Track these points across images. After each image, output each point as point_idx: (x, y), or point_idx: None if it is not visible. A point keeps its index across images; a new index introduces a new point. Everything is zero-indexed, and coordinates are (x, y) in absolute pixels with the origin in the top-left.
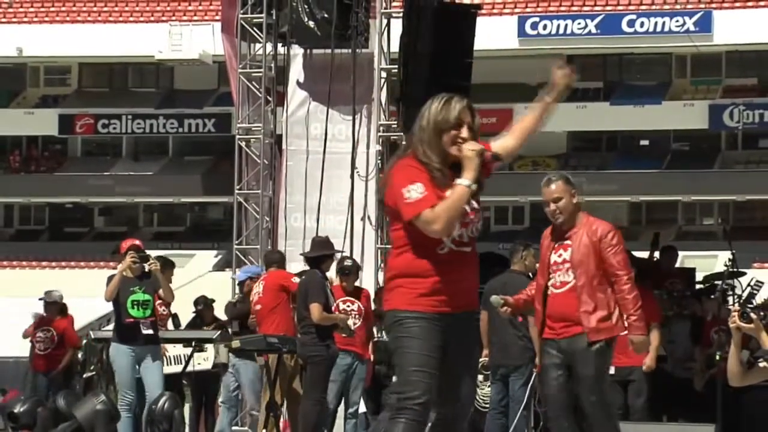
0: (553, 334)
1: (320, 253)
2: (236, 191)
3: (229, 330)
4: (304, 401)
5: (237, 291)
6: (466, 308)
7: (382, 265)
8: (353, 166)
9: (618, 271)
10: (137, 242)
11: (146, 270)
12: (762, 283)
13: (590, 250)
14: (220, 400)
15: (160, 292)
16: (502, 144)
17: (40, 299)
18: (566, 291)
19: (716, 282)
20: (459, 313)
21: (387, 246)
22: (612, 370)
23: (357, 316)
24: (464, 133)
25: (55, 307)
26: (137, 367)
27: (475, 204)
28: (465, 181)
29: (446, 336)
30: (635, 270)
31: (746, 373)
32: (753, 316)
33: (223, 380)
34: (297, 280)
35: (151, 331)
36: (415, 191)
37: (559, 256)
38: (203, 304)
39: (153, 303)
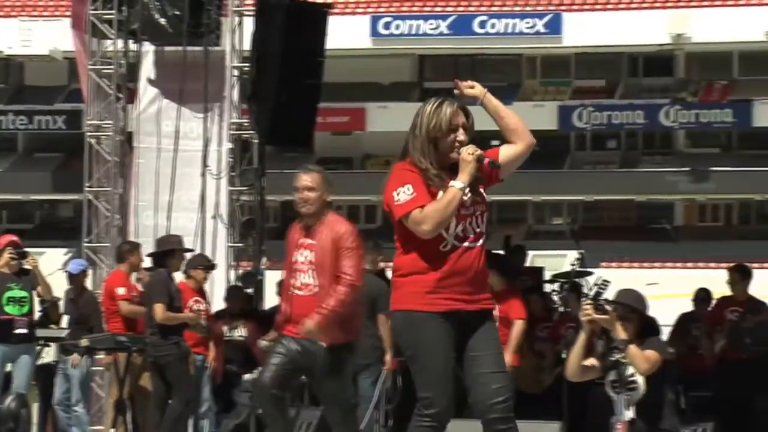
0: (293, 335)
1: (163, 249)
2: (86, 189)
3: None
4: (175, 402)
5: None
6: (478, 304)
7: (234, 263)
8: (205, 164)
9: (344, 273)
10: (15, 238)
11: (23, 267)
12: (608, 282)
13: (331, 250)
14: (54, 402)
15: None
16: (507, 151)
17: None
18: (308, 294)
19: (563, 280)
20: (471, 309)
21: (239, 244)
22: None
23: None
24: (461, 136)
25: None
26: (9, 365)
27: (475, 197)
28: (458, 184)
29: (460, 333)
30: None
31: (585, 370)
32: (608, 307)
33: (56, 381)
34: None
35: (25, 330)
36: (404, 193)
37: (304, 256)
38: (50, 303)
39: (31, 300)
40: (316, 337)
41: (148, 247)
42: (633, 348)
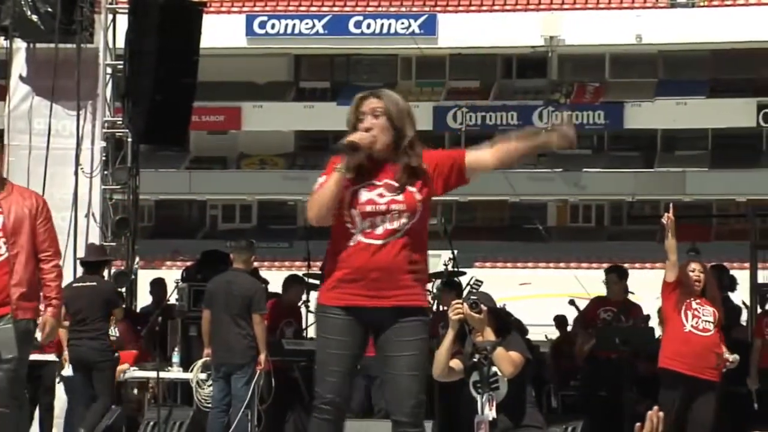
0: None
1: (97, 258)
2: None
3: None
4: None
5: None
6: (388, 300)
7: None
8: (77, 163)
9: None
10: None
11: None
12: (481, 282)
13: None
14: None
15: None
16: (478, 157)
17: None
18: None
19: (435, 280)
20: (378, 306)
21: (112, 243)
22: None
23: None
24: (366, 122)
25: None
26: None
27: (393, 195)
28: (338, 167)
29: (373, 330)
30: None
31: (450, 371)
32: (483, 306)
33: None
34: None
35: None
36: (317, 184)
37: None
38: None
39: None
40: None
41: None
42: (500, 350)
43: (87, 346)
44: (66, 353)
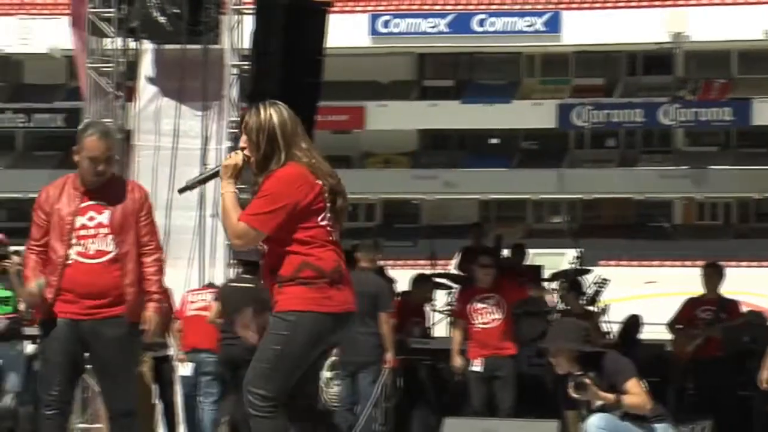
0: None
1: (256, 259)
2: None
3: None
4: None
5: None
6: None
7: (232, 261)
8: (204, 163)
9: None
10: (1, 236)
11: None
12: (607, 280)
13: None
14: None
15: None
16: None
17: None
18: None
19: (562, 279)
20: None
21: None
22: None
23: None
24: (241, 143)
25: None
26: None
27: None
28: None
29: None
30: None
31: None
32: (586, 381)
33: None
34: None
35: (6, 328)
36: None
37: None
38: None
39: (15, 299)
40: None
41: None
42: (627, 399)
43: (241, 345)
44: (180, 354)
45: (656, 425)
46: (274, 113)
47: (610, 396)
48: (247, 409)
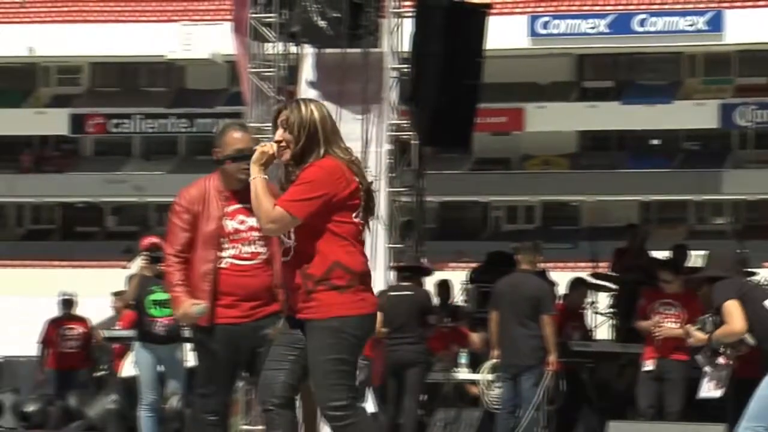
0: None
1: (412, 265)
2: None
3: None
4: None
5: None
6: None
7: (392, 264)
8: (364, 166)
9: None
10: (156, 240)
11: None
12: None
13: None
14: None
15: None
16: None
17: (65, 298)
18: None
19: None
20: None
21: (398, 245)
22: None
23: None
24: (276, 136)
25: (74, 307)
26: (159, 366)
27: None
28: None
29: None
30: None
31: None
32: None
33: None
34: None
35: (167, 331)
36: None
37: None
38: None
39: None
40: None
41: None
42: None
43: (405, 350)
44: None
45: None
46: (315, 109)
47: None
48: (331, 425)
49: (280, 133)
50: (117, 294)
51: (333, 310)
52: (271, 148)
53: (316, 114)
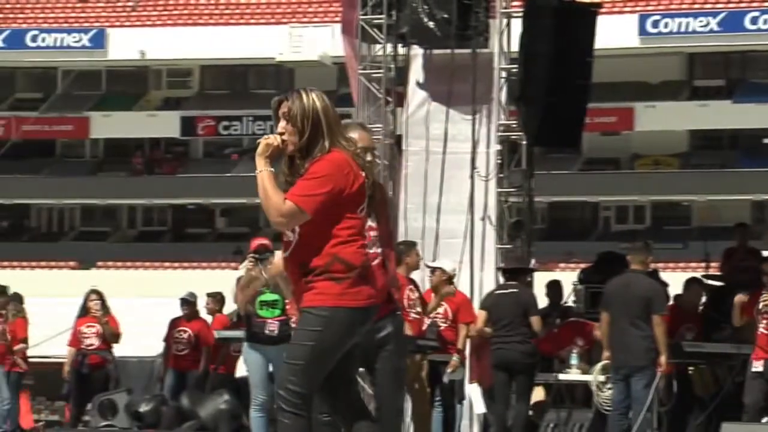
0: None
1: (517, 266)
2: None
3: None
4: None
5: None
6: None
7: (498, 267)
8: (473, 166)
9: None
10: (265, 241)
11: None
12: None
13: None
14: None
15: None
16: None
17: (183, 298)
18: None
19: None
20: None
21: (507, 246)
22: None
23: None
24: (278, 128)
25: (192, 308)
26: (269, 366)
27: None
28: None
29: None
30: None
31: None
32: None
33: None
34: None
35: (276, 332)
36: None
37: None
38: None
39: (283, 303)
40: None
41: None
42: None
43: (513, 349)
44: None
45: None
46: (316, 98)
47: None
48: (276, 405)
49: (282, 125)
50: (211, 295)
51: (327, 299)
52: (275, 139)
53: (318, 103)
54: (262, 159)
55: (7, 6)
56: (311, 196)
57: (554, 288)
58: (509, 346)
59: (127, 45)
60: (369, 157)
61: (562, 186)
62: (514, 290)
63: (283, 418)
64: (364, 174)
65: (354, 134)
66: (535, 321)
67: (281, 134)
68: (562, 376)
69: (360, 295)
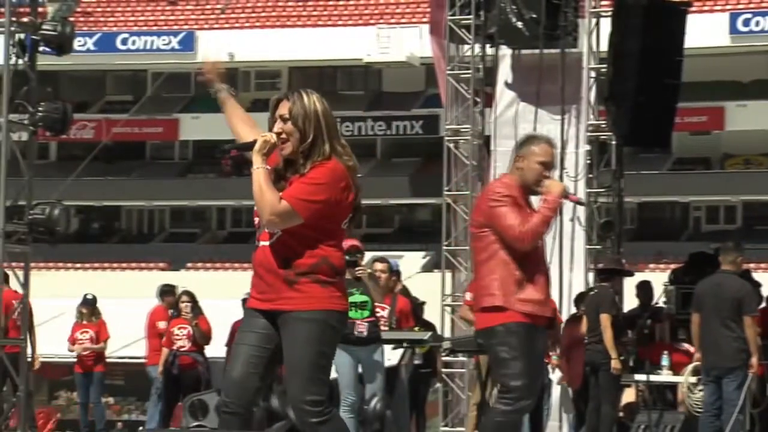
0: None
1: (611, 267)
2: (445, 192)
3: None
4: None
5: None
6: (269, 303)
7: (592, 266)
8: (562, 167)
9: None
10: (356, 243)
11: (356, 276)
12: None
13: None
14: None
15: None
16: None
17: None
18: None
19: None
20: (264, 309)
21: (597, 246)
22: None
23: None
24: (276, 128)
25: None
26: (359, 367)
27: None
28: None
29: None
30: None
31: None
32: None
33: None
34: None
35: (365, 333)
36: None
37: None
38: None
39: (371, 304)
40: None
41: None
42: None
43: (595, 349)
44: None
45: None
46: (316, 100)
47: None
48: (303, 420)
49: (280, 125)
50: None
51: (319, 302)
52: (272, 137)
53: (318, 105)
54: (259, 156)
55: (98, 10)
56: (309, 202)
57: (645, 288)
58: (594, 347)
59: (217, 47)
60: (546, 173)
61: (652, 186)
62: (594, 290)
63: (322, 428)
64: (354, 193)
65: (536, 147)
66: (603, 319)
67: (278, 134)
68: (653, 378)
69: (342, 299)
